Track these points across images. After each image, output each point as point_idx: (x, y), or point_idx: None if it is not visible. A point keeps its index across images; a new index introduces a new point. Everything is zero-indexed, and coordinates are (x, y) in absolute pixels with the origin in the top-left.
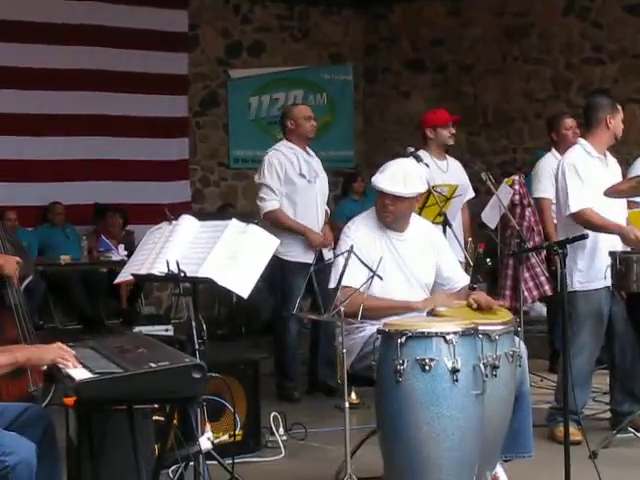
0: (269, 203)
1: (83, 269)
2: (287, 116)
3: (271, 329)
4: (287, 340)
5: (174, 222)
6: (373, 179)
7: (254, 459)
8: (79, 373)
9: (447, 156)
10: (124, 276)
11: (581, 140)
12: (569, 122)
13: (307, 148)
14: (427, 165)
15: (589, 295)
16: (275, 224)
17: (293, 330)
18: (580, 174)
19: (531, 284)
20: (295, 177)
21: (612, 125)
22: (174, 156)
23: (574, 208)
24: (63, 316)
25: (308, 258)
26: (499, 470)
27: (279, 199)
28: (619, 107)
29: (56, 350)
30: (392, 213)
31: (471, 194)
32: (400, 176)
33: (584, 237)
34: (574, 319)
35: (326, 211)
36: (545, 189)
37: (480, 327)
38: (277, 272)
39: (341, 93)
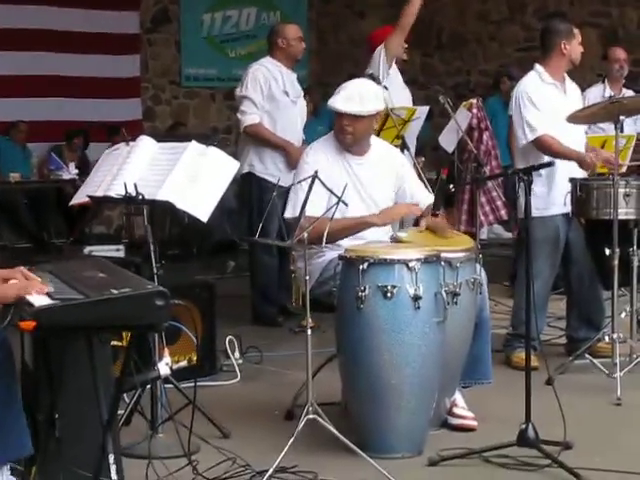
0: (250, 117)
1: (32, 187)
2: (278, 34)
3: (223, 250)
4: (265, 263)
5: (131, 143)
6: (329, 101)
7: (210, 383)
8: (38, 299)
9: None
10: (80, 197)
11: (536, 66)
12: None
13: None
14: (386, 88)
15: (546, 221)
16: (255, 138)
17: (271, 252)
18: (534, 101)
19: (487, 208)
20: (278, 94)
21: (567, 51)
22: (125, 73)
23: (532, 136)
24: (12, 235)
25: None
26: (458, 397)
27: (260, 113)
28: (576, 31)
29: (19, 285)
30: (351, 134)
31: None
32: (356, 95)
33: (550, 164)
34: (530, 245)
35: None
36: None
37: (442, 254)
38: (254, 191)
39: (294, 11)
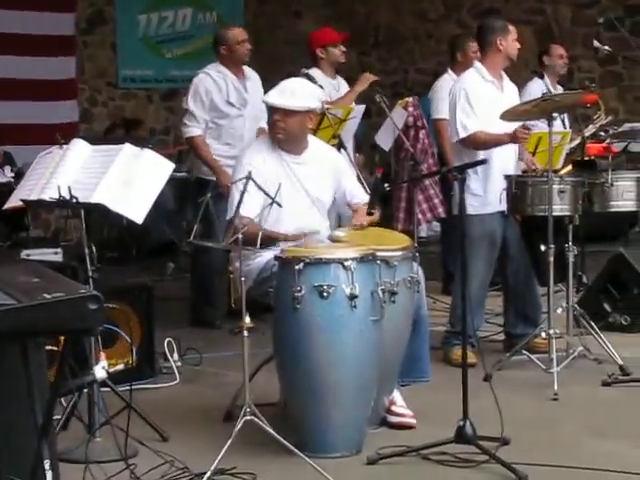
0: (190, 129)
1: None
2: (219, 41)
3: (162, 252)
4: (204, 264)
5: (65, 146)
6: (263, 96)
7: (149, 385)
8: None
9: (337, 76)
10: (14, 201)
11: (476, 63)
12: (476, 45)
13: (244, 69)
14: (321, 87)
15: (483, 219)
16: (194, 151)
17: (212, 254)
18: (470, 99)
19: (425, 206)
20: (222, 104)
21: (503, 47)
22: (61, 75)
23: (462, 134)
24: None
25: None
26: (396, 395)
27: (201, 126)
28: (511, 28)
29: None
30: (283, 130)
31: None
32: (289, 90)
33: (483, 162)
34: (467, 243)
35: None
36: (442, 110)
37: (379, 253)
38: (198, 193)
39: (231, 12)
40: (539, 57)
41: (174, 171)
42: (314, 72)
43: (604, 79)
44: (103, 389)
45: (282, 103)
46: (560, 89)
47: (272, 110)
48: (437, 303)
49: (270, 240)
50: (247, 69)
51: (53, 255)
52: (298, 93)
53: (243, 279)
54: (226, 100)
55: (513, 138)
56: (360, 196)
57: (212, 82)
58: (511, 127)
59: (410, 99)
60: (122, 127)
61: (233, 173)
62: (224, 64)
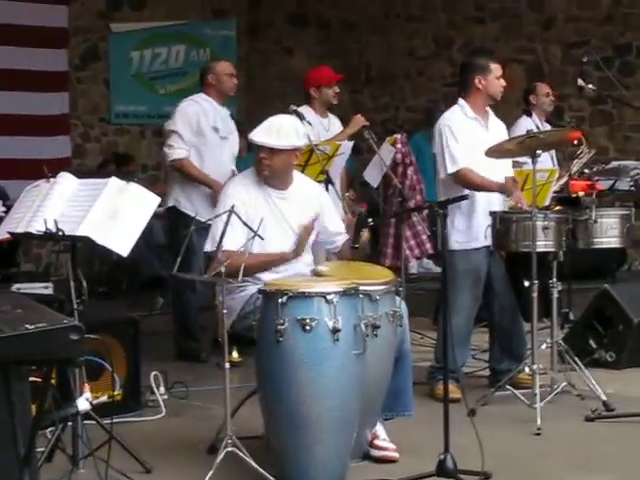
0: (177, 151)
1: None
2: (208, 71)
3: (152, 286)
4: (189, 299)
5: (52, 179)
6: (250, 134)
7: (134, 419)
8: None
9: (329, 114)
10: (1, 234)
11: (460, 100)
12: None
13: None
14: (310, 123)
15: (468, 255)
16: (180, 172)
17: (193, 288)
18: (455, 134)
19: (412, 242)
20: (207, 130)
21: (483, 86)
22: (54, 111)
23: (452, 169)
24: None
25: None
26: (379, 428)
27: (187, 148)
28: (493, 66)
29: None
30: (268, 167)
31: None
32: (274, 129)
33: (464, 198)
34: (452, 279)
35: (233, 171)
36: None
37: (361, 287)
38: (179, 226)
39: (223, 48)
40: (525, 96)
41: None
42: (305, 110)
43: (594, 118)
44: (87, 422)
45: (267, 142)
46: (548, 127)
47: (258, 147)
48: (425, 339)
49: (263, 266)
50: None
51: (43, 289)
52: (284, 131)
53: (225, 312)
54: (212, 126)
55: (503, 190)
56: (343, 237)
57: (200, 107)
58: (499, 163)
59: (398, 136)
60: (113, 162)
61: (217, 206)
62: (208, 94)
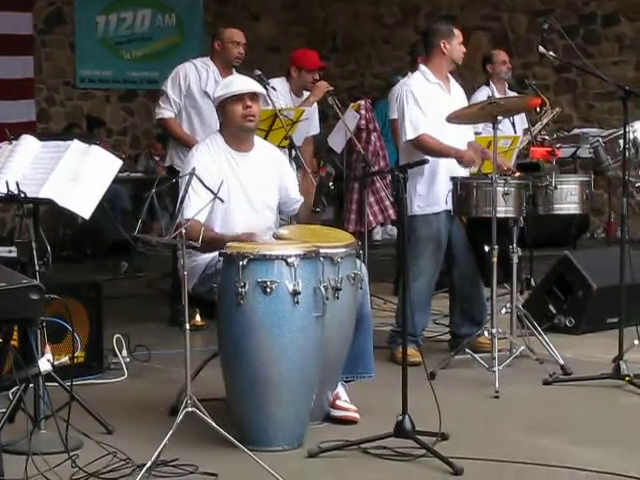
0: (162, 111)
1: None
2: (216, 36)
3: (117, 251)
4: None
5: (14, 142)
6: (221, 93)
7: (96, 381)
8: None
9: (306, 93)
10: None
11: (421, 66)
12: None
13: (233, 72)
14: (274, 88)
15: (428, 219)
16: (165, 132)
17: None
18: (418, 100)
19: (376, 208)
20: (197, 93)
21: (448, 50)
22: (18, 74)
23: (410, 135)
24: None
25: None
26: (340, 390)
27: (173, 110)
28: (455, 32)
29: None
30: (255, 115)
31: (316, 130)
32: (246, 79)
33: (424, 162)
34: (414, 243)
35: None
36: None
37: (322, 250)
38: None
39: (190, 14)
40: (483, 65)
41: (130, 171)
42: (280, 81)
43: (558, 86)
44: (49, 384)
45: (253, 88)
46: (513, 94)
47: (238, 99)
48: (387, 304)
49: (221, 242)
50: (235, 73)
51: (7, 253)
52: (248, 80)
53: (186, 274)
54: (203, 90)
55: (460, 160)
56: (300, 199)
57: (194, 70)
58: (460, 128)
59: (362, 102)
60: (86, 123)
61: (182, 169)
62: (213, 60)
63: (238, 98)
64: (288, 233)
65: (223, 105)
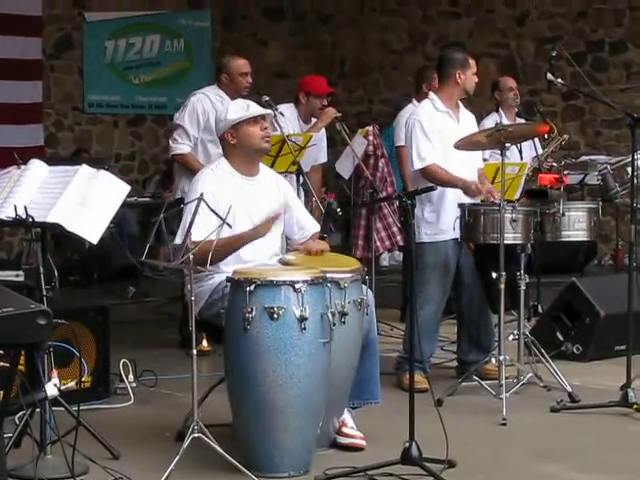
0: (180, 146)
1: None
2: (222, 69)
3: (124, 276)
4: None
5: (23, 166)
6: (240, 115)
7: (103, 406)
8: None
9: (314, 119)
10: None
11: (431, 94)
12: None
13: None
14: (282, 114)
15: (436, 246)
16: (183, 166)
17: None
18: (425, 130)
19: (383, 234)
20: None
21: (462, 80)
22: (27, 99)
23: (418, 165)
24: None
25: None
26: (347, 416)
27: (191, 144)
28: (471, 62)
29: None
30: (270, 136)
31: (324, 158)
32: (253, 104)
33: (432, 189)
34: (421, 270)
35: None
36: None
37: (329, 275)
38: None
39: (198, 39)
40: (492, 92)
41: (137, 196)
42: (289, 107)
43: (566, 113)
44: (56, 408)
45: (266, 110)
46: (522, 121)
47: (253, 122)
48: (394, 330)
49: (231, 246)
50: None
51: (14, 277)
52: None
53: (193, 299)
54: None
55: (467, 191)
56: (311, 226)
57: (209, 103)
58: (468, 156)
59: (370, 128)
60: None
61: (187, 194)
62: (222, 89)
63: (255, 120)
64: (294, 259)
65: (239, 127)
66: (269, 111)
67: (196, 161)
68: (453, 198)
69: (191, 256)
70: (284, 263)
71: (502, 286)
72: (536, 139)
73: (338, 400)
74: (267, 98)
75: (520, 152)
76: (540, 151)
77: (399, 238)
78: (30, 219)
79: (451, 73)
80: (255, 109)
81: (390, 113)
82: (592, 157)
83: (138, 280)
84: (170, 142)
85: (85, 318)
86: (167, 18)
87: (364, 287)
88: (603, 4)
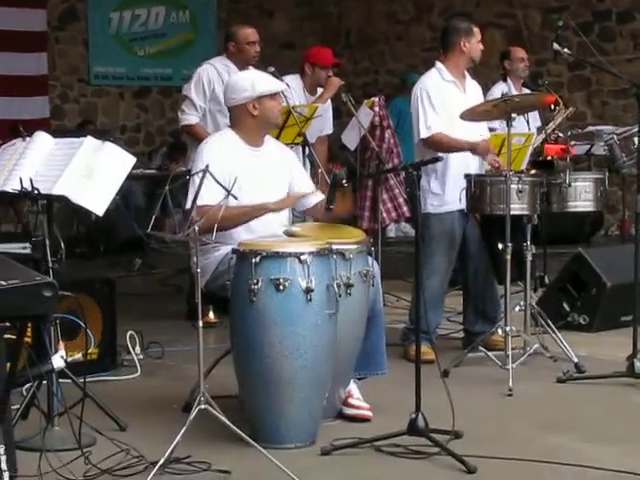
0: (188, 117)
1: None
2: (230, 38)
3: (130, 248)
4: None
5: (28, 139)
6: (265, 88)
7: (109, 377)
8: None
9: (319, 90)
10: None
11: (437, 64)
12: None
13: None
14: (288, 85)
15: (442, 217)
16: (192, 137)
17: None
18: (432, 99)
19: (390, 205)
20: (222, 96)
21: (467, 49)
22: (32, 71)
23: (424, 134)
24: None
25: None
26: (353, 387)
27: (199, 114)
28: (475, 30)
29: None
30: (281, 111)
31: (329, 129)
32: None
33: (438, 160)
34: (427, 241)
35: None
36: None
37: (334, 246)
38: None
39: (204, 10)
40: (501, 61)
41: (144, 168)
42: (294, 78)
43: (572, 83)
44: (63, 380)
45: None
46: (526, 92)
47: (274, 95)
48: (400, 301)
49: (240, 218)
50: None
51: (22, 250)
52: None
53: (199, 271)
54: None
55: (475, 151)
56: (315, 196)
57: (216, 73)
58: (475, 126)
59: (376, 99)
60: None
61: (194, 164)
62: (230, 59)
63: (274, 95)
64: (300, 230)
65: (263, 100)
66: (280, 88)
67: (204, 131)
68: (459, 169)
69: (196, 228)
70: (289, 234)
71: (508, 257)
72: (537, 111)
73: (344, 371)
74: (273, 69)
75: (527, 123)
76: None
77: (405, 209)
78: (36, 191)
79: (456, 42)
80: (279, 83)
81: (396, 84)
82: (598, 127)
83: (144, 252)
84: (178, 113)
85: (91, 290)
86: None
87: (370, 258)
88: None
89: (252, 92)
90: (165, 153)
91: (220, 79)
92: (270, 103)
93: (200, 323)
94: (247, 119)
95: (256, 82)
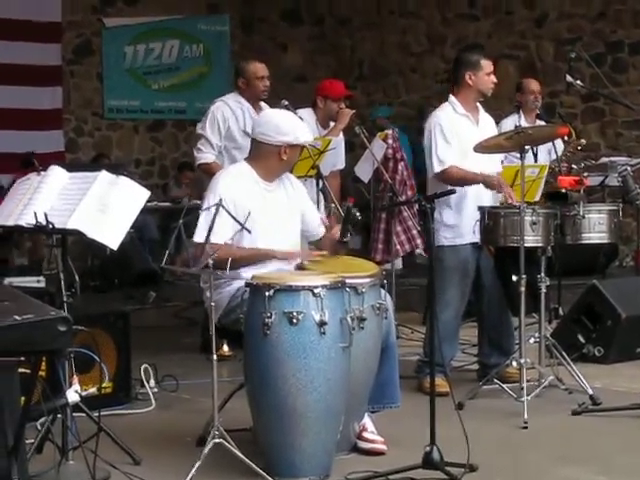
0: (204, 155)
1: None
2: (239, 73)
3: (145, 281)
4: None
5: (42, 173)
6: (308, 138)
7: (124, 411)
8: None
9: (331, 123)
10: None
11: (450, 97)
12: None
13: (261, 104)
14: (301, 118)
15: (456, 250)
16: (209, 175)
17: None
18: (445, 133)
19: (403, 237)
20: (237, 133)
21: (473, 82)
22: (47, 105)
23: (437, 168)
24: None
25: None
26: (367, 420)
27: (215, 153)
28: (484, 63)
29: None
30: None
31: (342, 164)
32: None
33: (451, 192)
34: (441, 274)
35: None
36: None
37: (347, 280)
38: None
39: (217, 44)
40: (516, 93)
41: (157, 201)
42: (307, 112)
43: (586, 115)
44: (77, 414)
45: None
46: (542, 123)
47: (298, 147)
48: (415, 333)
49: (253, 257)
50: (264, 105)
51: (35, 283)
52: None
53: (213, 304)
54: (242, 130)
55: (488, 184)
56: (321, 229)
57: (230, 111)
58: (488, 159)
59: (389, 131)
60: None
61: (206, 198)
62: (241, 95)
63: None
64: (312, 264)
65: (295, 148)
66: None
67: (219, 169)
68: (473, 201)
69: (210, 261)
70: (301, 268)
71: (523, 289)
72: (557, 141)
73: (358, 404)
74: (286, 103)
75: (535, 155)
76: (560, 154)
77: (419, 241)
78: (50, 225)
79: (462, 75)
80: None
81: (409, 116)
82: (612, 159)
83: (159, 285)
84: (195, 152)
85: (106, 324)
86: (186, 23)
87: (382, 291)
88: (622, 5)
89: (293, 140)
90: (174, 176)
91: (234, 116)
92: (297, 150)
93: (214, 357)
94: (273, 160)
95: (298, 131)
